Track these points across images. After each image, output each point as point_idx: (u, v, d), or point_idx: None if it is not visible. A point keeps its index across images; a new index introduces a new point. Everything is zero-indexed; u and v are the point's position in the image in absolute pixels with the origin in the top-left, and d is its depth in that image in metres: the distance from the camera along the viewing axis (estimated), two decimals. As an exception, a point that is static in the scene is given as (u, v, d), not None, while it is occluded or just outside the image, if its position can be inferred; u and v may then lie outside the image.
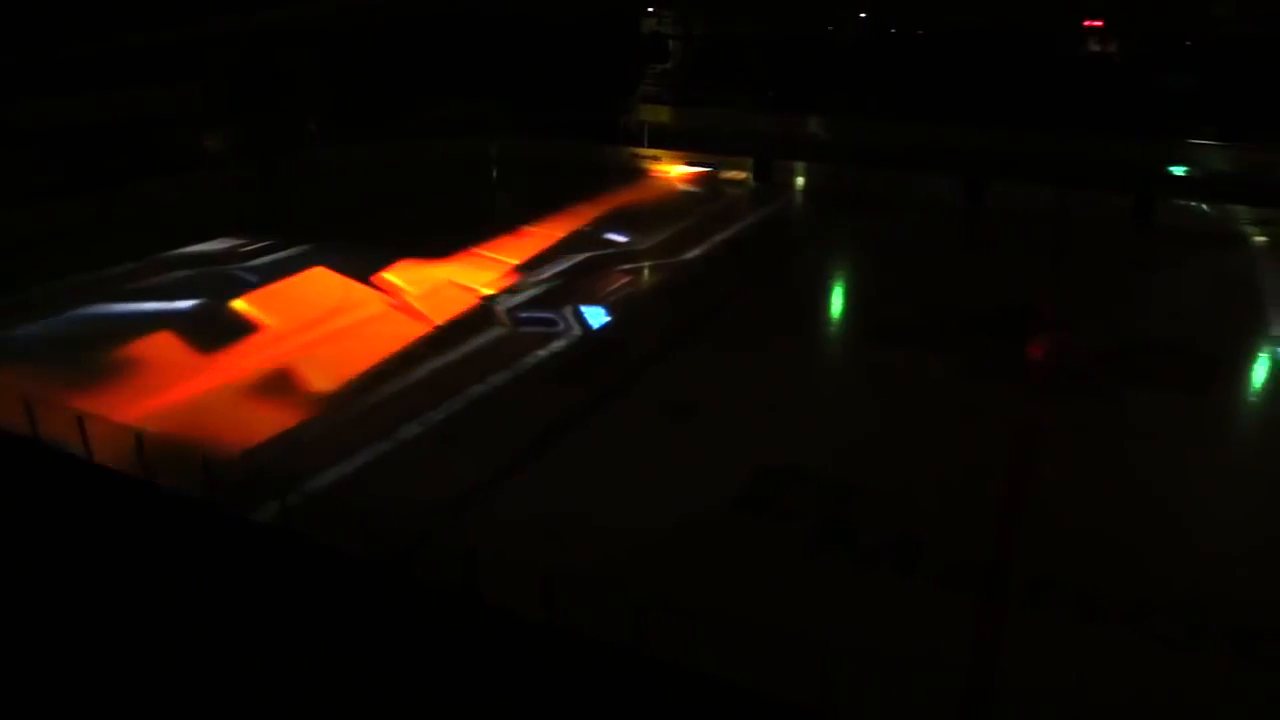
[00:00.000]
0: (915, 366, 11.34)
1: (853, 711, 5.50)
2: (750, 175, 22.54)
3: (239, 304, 13.03)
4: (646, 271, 15.28)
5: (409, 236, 16.19)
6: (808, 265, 16.56)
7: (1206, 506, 8.32)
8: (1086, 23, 25.62)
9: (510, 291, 13.84)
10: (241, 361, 11.18)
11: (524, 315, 12.88)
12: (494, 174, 24.41)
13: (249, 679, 5.83)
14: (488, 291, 13.80)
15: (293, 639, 6.09)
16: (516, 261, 15.30)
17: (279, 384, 10.58)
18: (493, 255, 15.60)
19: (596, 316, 12.91)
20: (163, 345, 11.71)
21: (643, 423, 9.69)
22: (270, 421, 9.45)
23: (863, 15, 27.18)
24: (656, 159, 23.54)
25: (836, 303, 14.91)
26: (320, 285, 13.54)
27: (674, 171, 23.22)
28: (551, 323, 12.57)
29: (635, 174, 23.30)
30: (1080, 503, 8.24)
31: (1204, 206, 20.14)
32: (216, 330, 12.17)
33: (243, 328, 12.31)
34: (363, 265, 14.55)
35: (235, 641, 6.11)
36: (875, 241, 18.14)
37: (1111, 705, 5.73)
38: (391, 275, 14.34)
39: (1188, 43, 25.28)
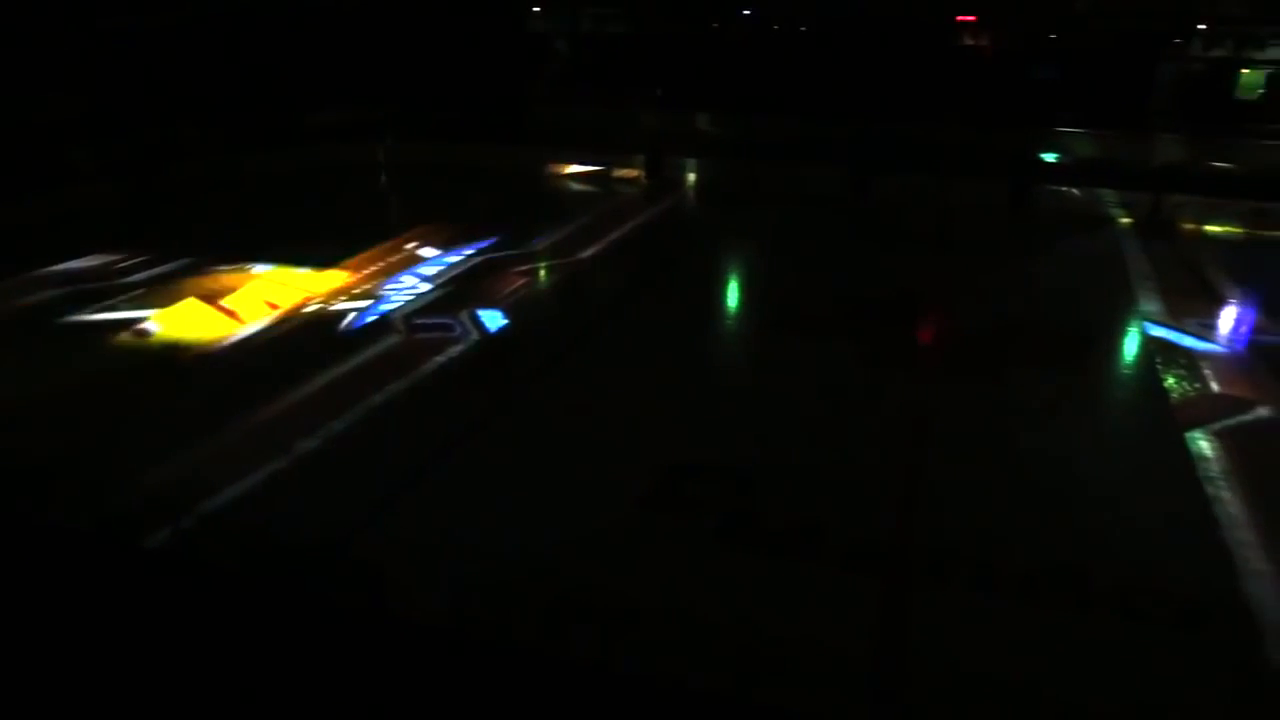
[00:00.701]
0: (812, 355, 11.56)
1: (771, 696, 5.55)
2: (643, 173, 22.69)
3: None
4: (543, 272, 15.22)
5: (291, 246, 15.74)
6: (704, 260, 16.72)
7: (1087, 476, 8.69)
8: (959, 18, 26.62)
9: (402, 297, 13.54)
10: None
11: (420, 321, 12.64)
12: (383, 178, 23.98)
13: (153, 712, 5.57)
14: (375, 298, 13.47)
15: (199, 669, 5.83)
16: (404, 266, 15.00)
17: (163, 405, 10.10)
18: (379, 261, 15.29)
19: (494, 320, 12.77)
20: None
21: (544, 426, 9.59)
22: (155, 445, 9.01)
23: (745, 12, 27.63)
24: (549, 158, 23.50)
25: (733, 296, 15.11)
26: (194, 315, 12.96)
27: (566, 170, 23.22)
28: (448, 328, 12.37)
29: (527, 174, 23.21)
30: (972, 479, 8.51)
31: (1074, 191, 21.19)
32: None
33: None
34: (242, 277, 14.09)
35: (137, 675, 5.81)
36: (769, 234, 18.44)
37: (1010, 669, 5.91)
38: (270, 286, 13.90)
39: (1052, 36, 26.49)
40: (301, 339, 12.02)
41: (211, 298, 13.26)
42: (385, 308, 13.03)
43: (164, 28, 21.88)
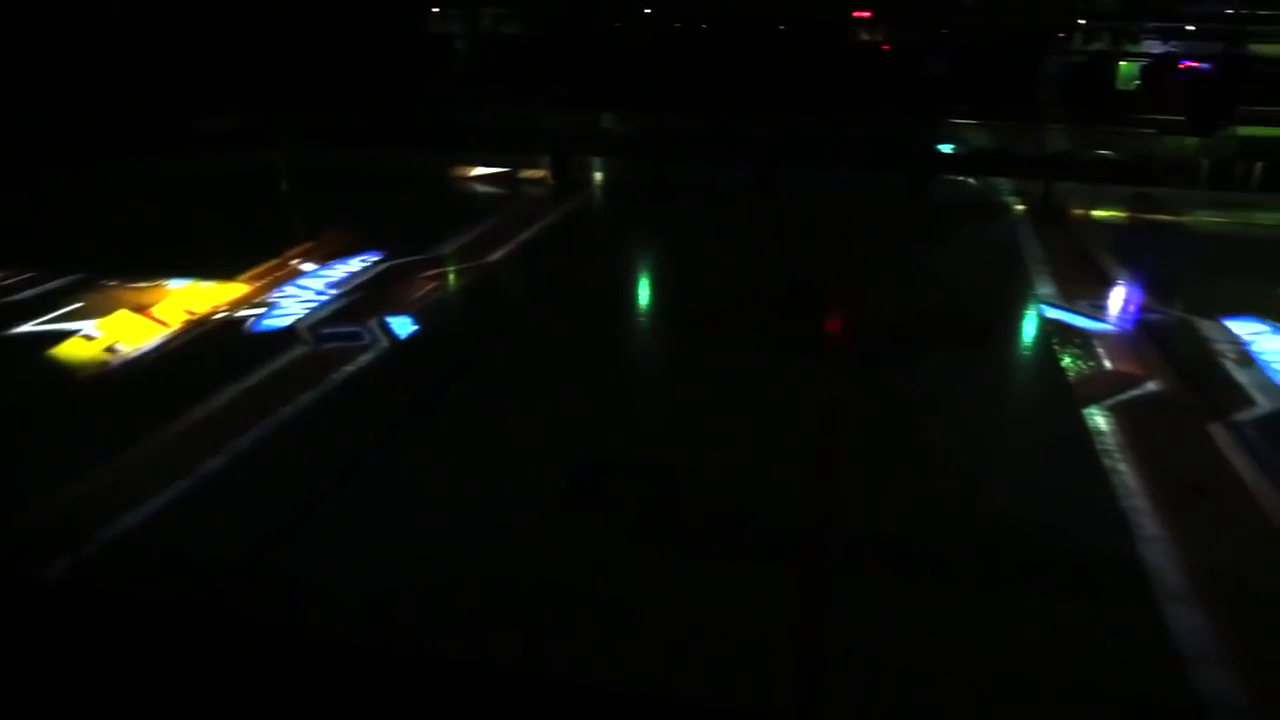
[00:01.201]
0: (723, 348, 11.67)
1: (695, 691, 5.58)
2: (549, 173, 22.61)
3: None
4: (451, 276, 15.03)
5: (185, 257, 15.17)
6: (613, 259, 16.74)
7: (993, 456, 8.98)
8: (856, 14, 27.24)
9: (306, 308, 13.20)
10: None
11: (327, 331, 12.34)
12: (282, 185, 23.38)
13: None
14: (278, 309, 13.10)
15: (112, 703, 5.58)
16: (308, 275, 14.63)
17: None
18: (281, 271, 14.87)
19: (403, 326, 12.55)
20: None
21: (460, 431, 9.46)
22: (54, 468, 8.58)
23: (647, 11, 27.78)
24: (453, 161, 23.22)
25: (644, 293, 15.17)
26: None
27: (471, 173, 22.98)
28: (357, 336, 12.10)
29: (431, 177, 22.90)
30: (884, 464, 8.70)
31: (971, 180, 21.89)
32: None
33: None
34: (137, 293, 13.54)
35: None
36: (676, 231, 18.57)
37: (930, 648, 6.05)
38: (169, 300, 13.40)
39: (944, 31, 27.30)
40: (203, 354, 11.61)
41: (108, 312, 12.73)
42: (290, 319, 12.69)
43: (45, 32, 20.91)
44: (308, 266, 14.97)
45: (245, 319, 12.65)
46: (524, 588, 6.61)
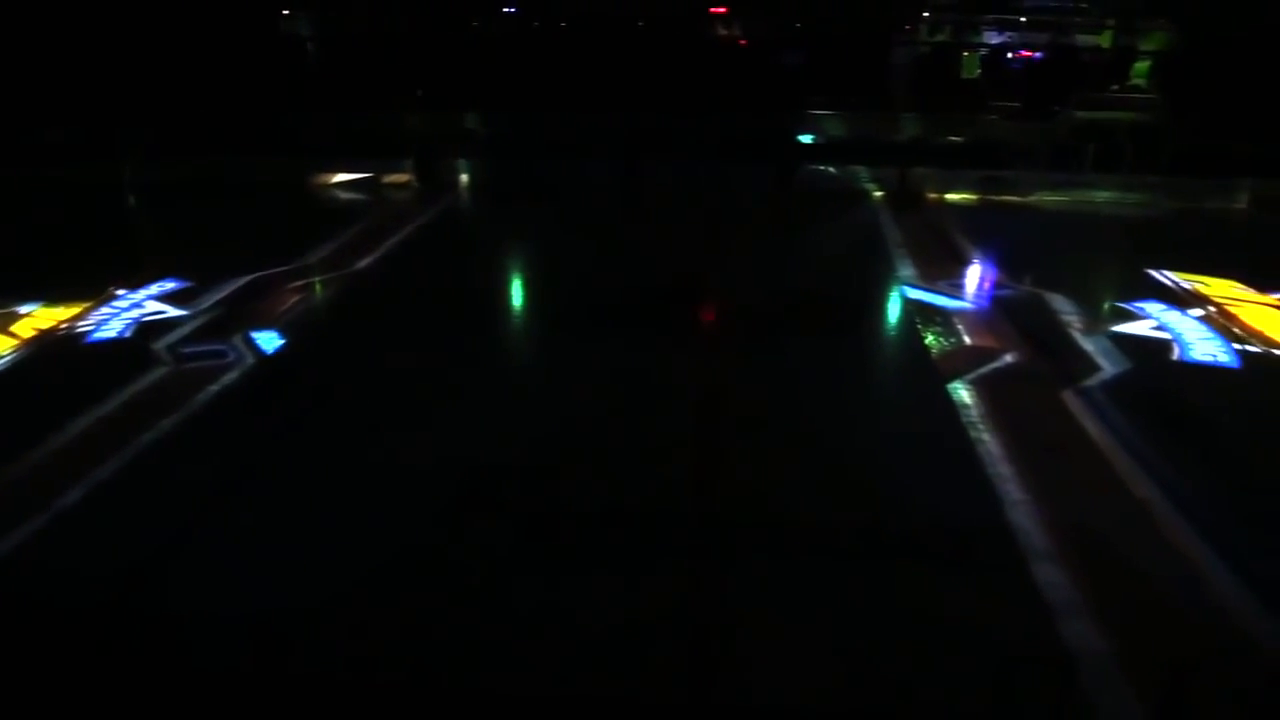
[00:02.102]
0: (600, 344, 11.70)
1: (589, 690, 5.57)
2: (413, 177, 22.17)
3: None
4: (319, 286, 14.55)
5: (21, 277, 14.21)
6: (485, 260, 16.54)
7: (862, 433, 9.29)
8: (712, 10, 27.70)
9: (166, 325, 12.55)
10: None
11: (189, 350, 11.75)
12: (131, 199, 22.15)
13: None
14: (133, 328, 12.42)
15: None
16: (163, 292, 13.89)
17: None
18: (132, 288, 14.05)
19: (270, 341, 12.09)
20: None
21: (337, 445, 9.17)
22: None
23: (509, 10, 27.58)
24: (312, 167, 22.50)
25: (517, 293, 15.06)
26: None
27: (332, 180, 22.32)
28: (221, 354, 11.57)
29: (292, 185, 22.13)
30: (763, 449, 8.89)
31: (831, 169, 22.60)
32: None
33: None
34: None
35: None
36: (546, 230, 18.50)
37: (817, 623, 6.21)
38: (17, 325, 12.54)
39: (797, 25, 28.05)
40: (53, 379, 10.90)
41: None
42: (145, 337, 12.03)
43: None
44: (159, 284, 14.21)
45: (97, 340, 11.95)
46: (409, 602, 6.48)
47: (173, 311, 12.87)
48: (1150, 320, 12.86)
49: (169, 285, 13.90)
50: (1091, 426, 9.42)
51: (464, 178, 22.59)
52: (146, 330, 12.13)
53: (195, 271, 14.34)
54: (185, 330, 12.22)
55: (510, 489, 8.17)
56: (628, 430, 9.30)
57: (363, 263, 15.58)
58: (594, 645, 5.88)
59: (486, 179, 22.26)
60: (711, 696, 5.60)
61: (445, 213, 20.19)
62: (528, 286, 15.37)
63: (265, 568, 7.01)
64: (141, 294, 13.61)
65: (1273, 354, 11.61)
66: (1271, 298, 13.61)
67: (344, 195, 21.55)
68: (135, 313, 12.88)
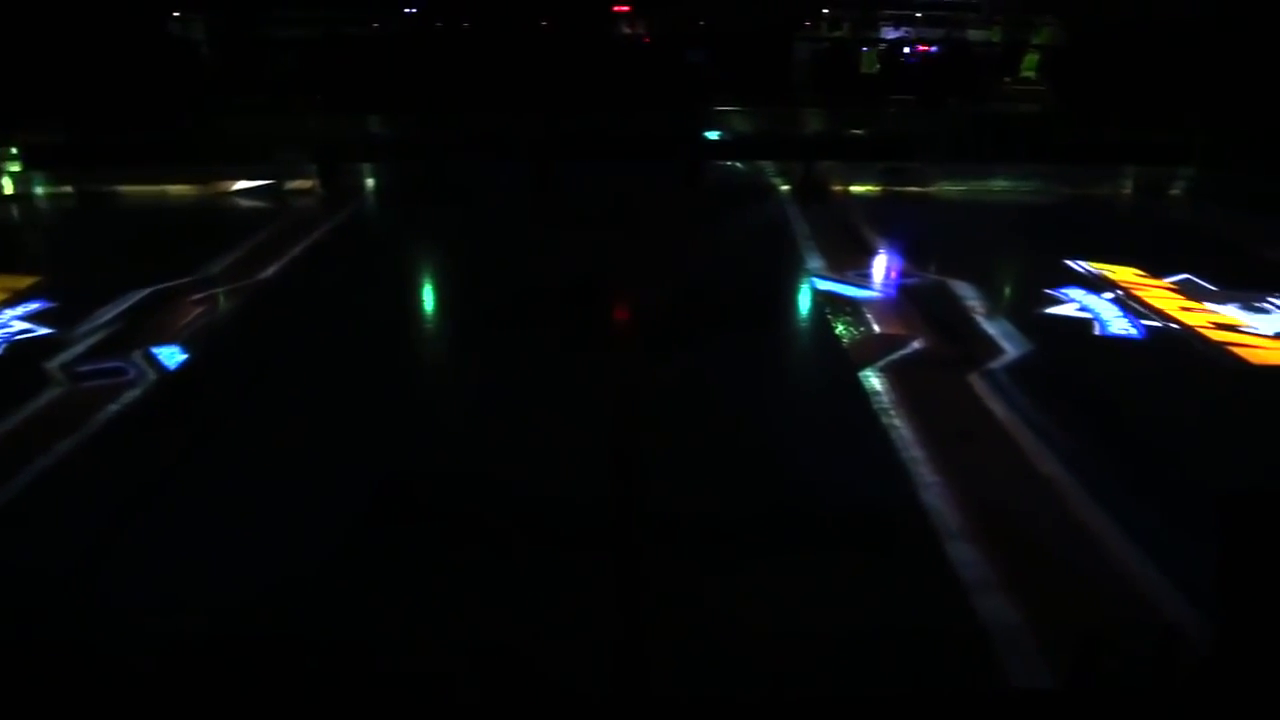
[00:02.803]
0: (514, 347, 11.60)
1: (522, 693, 5.55)
2: (316, 182, 21.70)
3: None
4: (222, 299, 14.09)
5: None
6: (394, 266, 16.24)
7: (779, 424, 9.42)
8: (616, 8, 27.75)
9: (58, 342, 12.00)
10: None
11: (85, 369, 11.27)
12: (13, 211, 21.11)
13: None
14: (30, 346, 11.87)
15: None
16: (58, 310, 13.28)
17: None
18: (24, 305, 13.44)
19: (172, 356, 11.68)
20: None
21: (247, 459, 8.89)
22: None
23: (410, 10, 27.18)
24: (210, 177, 21.83)
25: (428, 298, 14.85)
26: None
27: (232, 188, 21.68)
28: (120, 372, 11.13)
29: (191, 195, 21.44)
30: (685, 444, 8.94)
31: (739, 165, 22.87)
32: None
33: None
34: None
35: None
36: (455, 233, 18.29)
37: (749, 613, 6.28)
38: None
39: (701, 22, 28.30)
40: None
41: None
42: (35, 355, 11.50)
43: None
44: (50, 301, 13.57)
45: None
46: (332, 613, 6.34)
47: (44, 330, 12.35)
48: (1055, 303, 13.40)
49: (35, 305, 13.35)
50: (997, 408, 9.75)
51: (368, 182, 22.17)
52: (21, 350, 11.65)
53: (84, 288, 13.79)
54: (80, 348, 11.75)
55: (431, 494, 8.06)
56: (545, 430, 9.24)
57: (265, 273, 15.15)
58: (517, 651, 5.85)
59: (391, 183, 21.88)
60: (635, 689, 5.64)
61: (349, 219, 19.79)
62: (437, 291, 15.17)
63: (182, 577, 6.79)
64: (7, 314, 13.05)
65: (1170, 329, 12.19)
66: (1166, 281, 14.27)
67: (244, 204, 20.95)
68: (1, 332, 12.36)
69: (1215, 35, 22.75)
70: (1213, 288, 13.82)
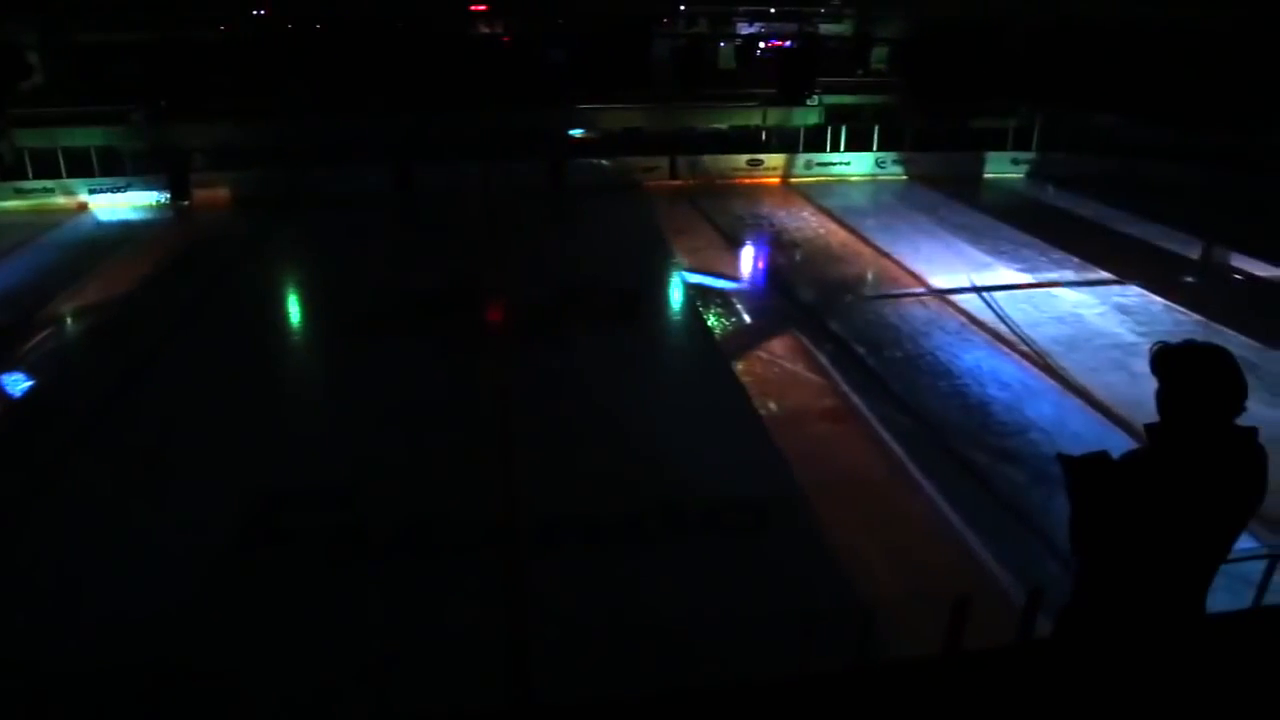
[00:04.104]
0: (385, 354, 11.37)
1: (414, 700, 5.48)
2: (168, 194, 20.66)
3: None
4: (70, 319, 13.27)
5: None
6: (253, 277, 15.62)
7: (659, 419, 9.57)
8: (473, 7, 27.38)
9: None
10: None
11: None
12: None
13: None
14: None
15: None
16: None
17: None
18: None
19: (16, 383, 10.97)
20: None
21: (111, 482, 8.43)
22: None
23: (258, 12, 26.13)
24: (49, 191, 20.51)
25: (295, 308, 14.37)
26: None
27: (75, 202, 20.41)
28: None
29: (23, 211, 20.08)
30: (562, 443, 8.99)
31: (603, 162, 22.98)
32: None
33: None
34: None
35: None
36: (318, 240, 17.78)
37: (626, 608, 6.37)
38: None
39: (560, 21, 28.22)
40: None
41: None
42: None
43: None
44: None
45: None
46: (212, 638, 6.12)
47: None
48: (915, 289, 14.03)
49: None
50: (857, 394, 10.16)
51: (224, 191, 21.22)
52: None
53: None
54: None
55: (307, 511, 7.83)
56: (425, 438, 9.11)
57: (123, 289, 14.34)
58: (409, 660, 5.78)
59: (249, 191, 20.99)
60: (523, 695, 5.65)
61: (205, 231, 18.96)
62: (300, 302, 14.67)
63: (29, 621, 6.41)
64: None
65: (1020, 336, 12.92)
66: (1029, 277, 15.04)
67: (94, 218, 19.75)
68: None
69: (1049, 29, 24.15)
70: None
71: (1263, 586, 5.43)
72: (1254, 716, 3.10)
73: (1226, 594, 3.38)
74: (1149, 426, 2.56)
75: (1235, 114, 20.80)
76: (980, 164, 24.07)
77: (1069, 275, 14.57)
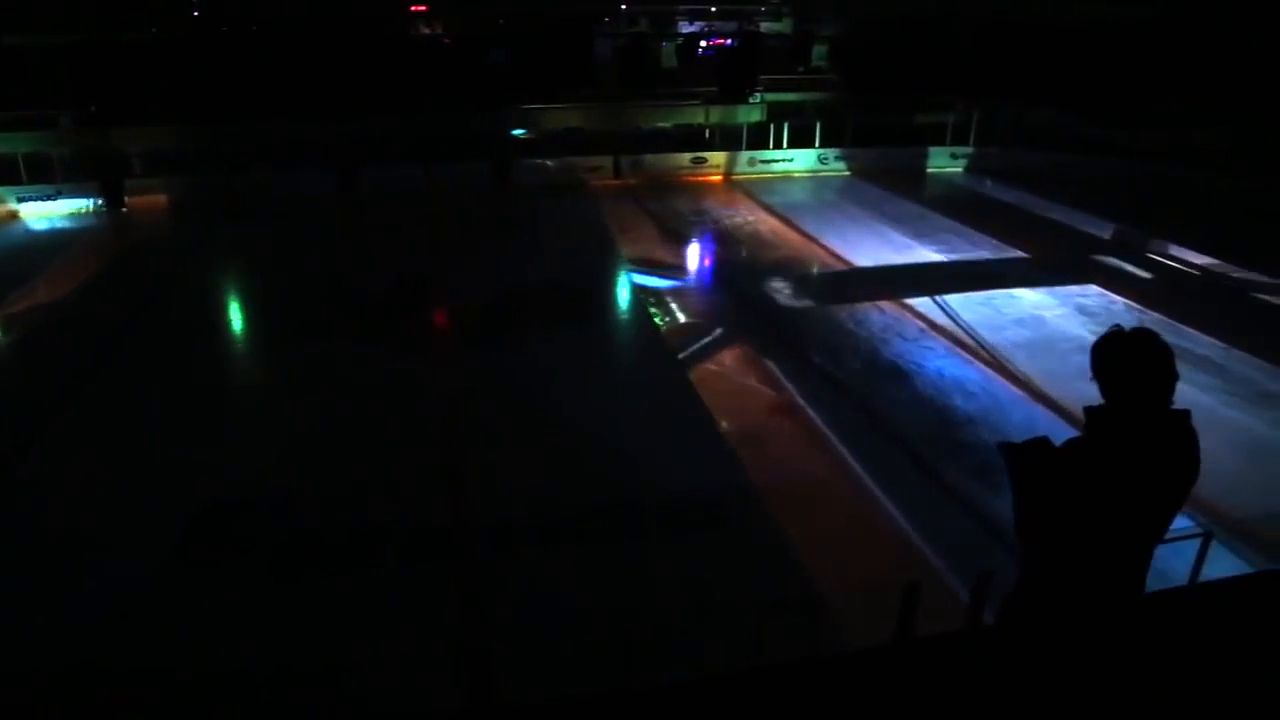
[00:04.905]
0: (333, 359, 11.22)
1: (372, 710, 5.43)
2: (101, 202, 20.14)
3: None
4: (1, 332, 12.87)
5: None
6: (198, 283, 15.29)
7: (612, 418, 9.58)
8: (413, 8, 27.12)
9: None
10: None
11: None
12: None
13: None
14: None
15: None
16: None
17: None
18: None
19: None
20: None
21: (48, 495, 8.20)
22: None
23: (195, 14, 25.59)
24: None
25: (238, 315, 14.10)
26: None
27: (5, 210, 19.78)
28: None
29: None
30: (513, 444, 8.96)
31: (548, 162, 22.92)
32: None
33: None
34: None
35: None
36: (261, 244, 17.45)
37: (582, 606, 6.37)
38: None
39: (501, 21, 28.08)
40: None
41: None
42: None
43: None
44: None
45: None
46: (159, 650, 5.99)
47: None
48: (858, 289, 14.23)
49: None
50: (801, 390, 10.27)
51: (161, 198, 20.74)
52: None
53: None
54: None
55: (252, 520, 7.70)
56: (374, 443, 9.01)
57: (58, 297, 13.95)
58: (358, 672, 5.72)
59: (187, 197, 20.54)
60: (487, 695, 5.63)
61: (141, 239, 18.52)
62: (246, 307, 14.40)
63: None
64: None
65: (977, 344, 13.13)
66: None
67: (22, 226, 19.18)
68: None
69: (986, 26, 24.63)
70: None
71: (1198, 564, 5.61)
72: (1193, 692, 3.20)
73: (1159, 576, 3.48)
74: (1088, 410, 2.64)
75: (1164, 108, 21.52)
76: (920, 158, 24.49)
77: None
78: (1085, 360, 2.69)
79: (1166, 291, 13.80)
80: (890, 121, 24.86)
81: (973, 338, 11.62)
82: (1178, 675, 3.17)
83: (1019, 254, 15.81)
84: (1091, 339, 2.66)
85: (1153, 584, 2.89)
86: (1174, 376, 2.53)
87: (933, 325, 12.20)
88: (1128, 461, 2.55)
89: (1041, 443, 2.70)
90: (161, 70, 23.40)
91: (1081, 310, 12.72)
